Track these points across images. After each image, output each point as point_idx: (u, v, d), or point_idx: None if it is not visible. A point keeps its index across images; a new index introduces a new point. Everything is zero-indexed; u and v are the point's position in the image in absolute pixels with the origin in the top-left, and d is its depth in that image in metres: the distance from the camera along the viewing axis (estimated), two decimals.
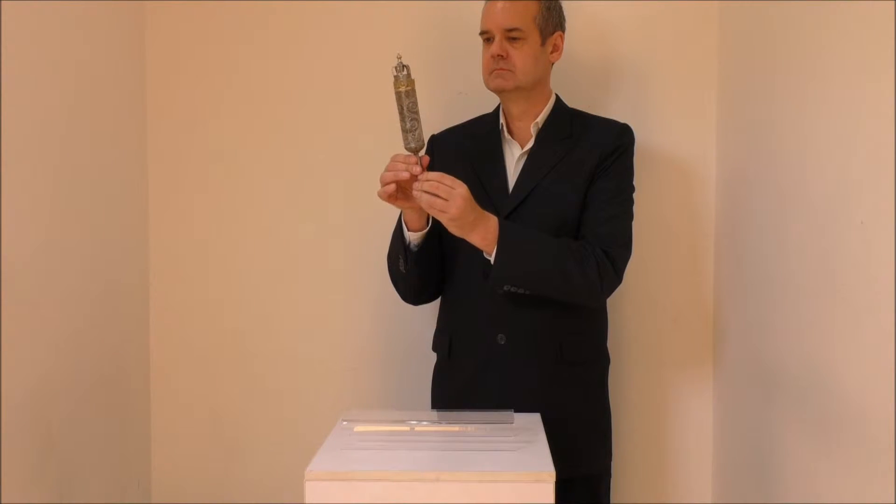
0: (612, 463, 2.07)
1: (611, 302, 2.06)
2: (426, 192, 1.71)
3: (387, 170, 1.76)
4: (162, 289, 2.36)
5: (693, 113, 2.27)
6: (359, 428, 1.64)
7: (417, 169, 1.72)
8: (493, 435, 1.60)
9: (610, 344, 2.07)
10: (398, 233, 1.92)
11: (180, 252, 2.36)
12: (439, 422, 1.71)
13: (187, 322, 2.36)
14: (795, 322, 1.74)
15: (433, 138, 2.07)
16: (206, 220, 2.35)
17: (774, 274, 1.86)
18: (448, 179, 1.72)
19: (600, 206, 1.92)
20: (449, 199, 1.70)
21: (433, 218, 1.83)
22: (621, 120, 2.03)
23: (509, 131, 2.01)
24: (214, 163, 2.35)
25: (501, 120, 2.02)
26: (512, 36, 1.91)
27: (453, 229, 1.76)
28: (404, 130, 1.74)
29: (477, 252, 1.84)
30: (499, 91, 1.96)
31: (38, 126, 1.86)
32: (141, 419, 2.34)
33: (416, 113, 1.74)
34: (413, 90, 1.73)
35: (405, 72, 1.72)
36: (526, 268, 1.82)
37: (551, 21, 1.96)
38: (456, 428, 1.65)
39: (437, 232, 1.89)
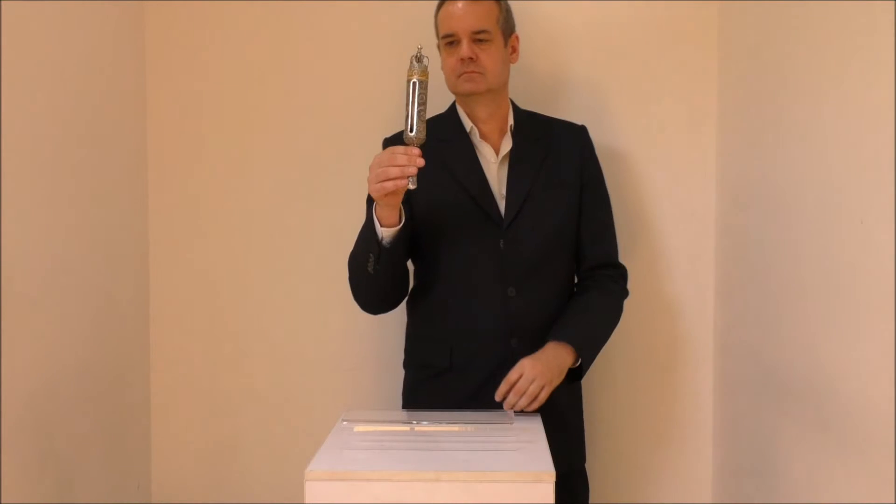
0: (610, 462, 2.07)
1: None
2: (518, 407, 1.77)
3: (389, 164, 1.67)
4: (161, 289, 2.36)
5: (693, 113, 2.27)
6: (359, 428, 1.64)
7: (421, 161, 1.67)
8: (493, 435, 1.60)
9: (610, 344, 2.07)
10: (368, 231, 1.82)
11: (180, 253, 2.36)
12: (439, 422, 1.70)
13: (187, 323, 2.36)
14: (795, 322, 1.74)
15: (387, 141, 1.99)
16: (206, 221, 2.35)
17: (774, 273, 1.86)
18: (513, 376, 1.78)
19: (594, 216, 2.00)
20: (534, 382, 1.76)
21: (406, 214, 1.80)
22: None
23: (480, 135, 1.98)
24: (214, 163, 2.35)
25: (469, 123, 1.97)
26: (479, 38, 1.88)
27: (557, 382, 1.82)
28: (420, 120, 1.69)
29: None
30: (469, 94, 1.93)
31: (38, 126, 1.86)
32: (141, 420, 2.34)
33: (426, 106, 1.71)
34: (427, 82, 1.70)
35: (424, 62, 1.70)
36: (599, 347, 1.98)
37: (509, 23, 1.96)
38: (456, 428, 1.65)
39: (409, 232, 1.85)
